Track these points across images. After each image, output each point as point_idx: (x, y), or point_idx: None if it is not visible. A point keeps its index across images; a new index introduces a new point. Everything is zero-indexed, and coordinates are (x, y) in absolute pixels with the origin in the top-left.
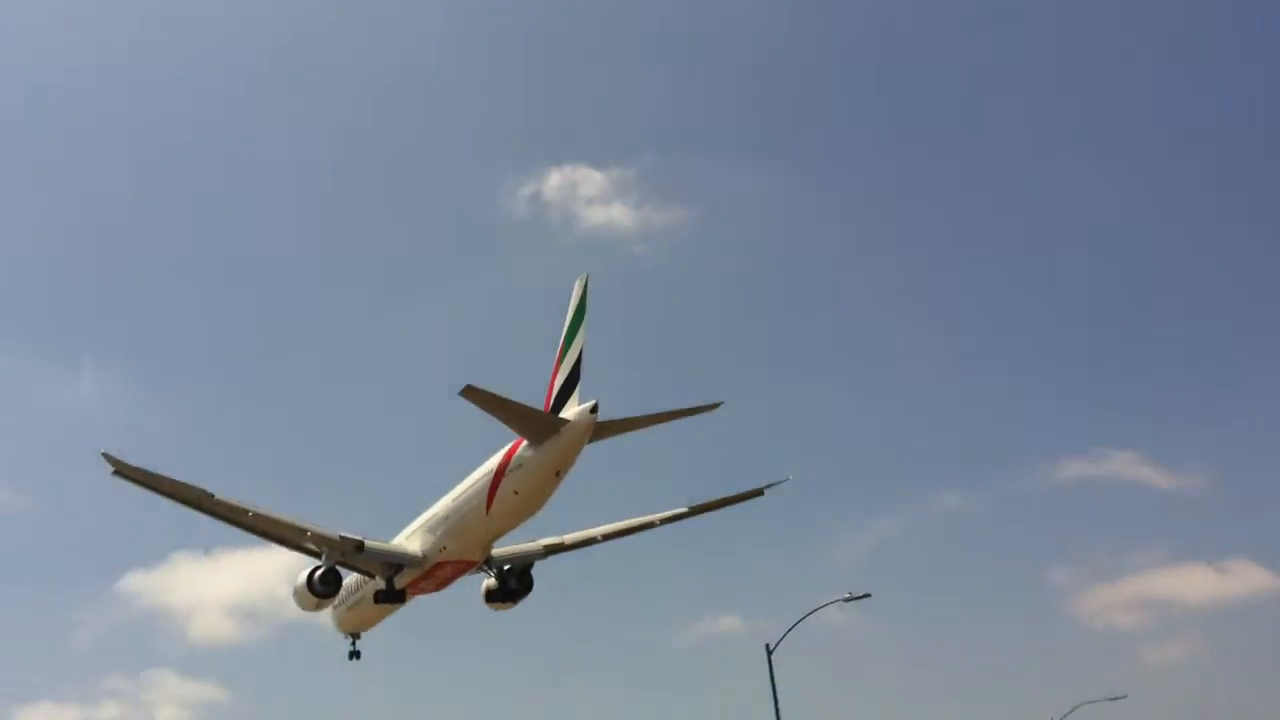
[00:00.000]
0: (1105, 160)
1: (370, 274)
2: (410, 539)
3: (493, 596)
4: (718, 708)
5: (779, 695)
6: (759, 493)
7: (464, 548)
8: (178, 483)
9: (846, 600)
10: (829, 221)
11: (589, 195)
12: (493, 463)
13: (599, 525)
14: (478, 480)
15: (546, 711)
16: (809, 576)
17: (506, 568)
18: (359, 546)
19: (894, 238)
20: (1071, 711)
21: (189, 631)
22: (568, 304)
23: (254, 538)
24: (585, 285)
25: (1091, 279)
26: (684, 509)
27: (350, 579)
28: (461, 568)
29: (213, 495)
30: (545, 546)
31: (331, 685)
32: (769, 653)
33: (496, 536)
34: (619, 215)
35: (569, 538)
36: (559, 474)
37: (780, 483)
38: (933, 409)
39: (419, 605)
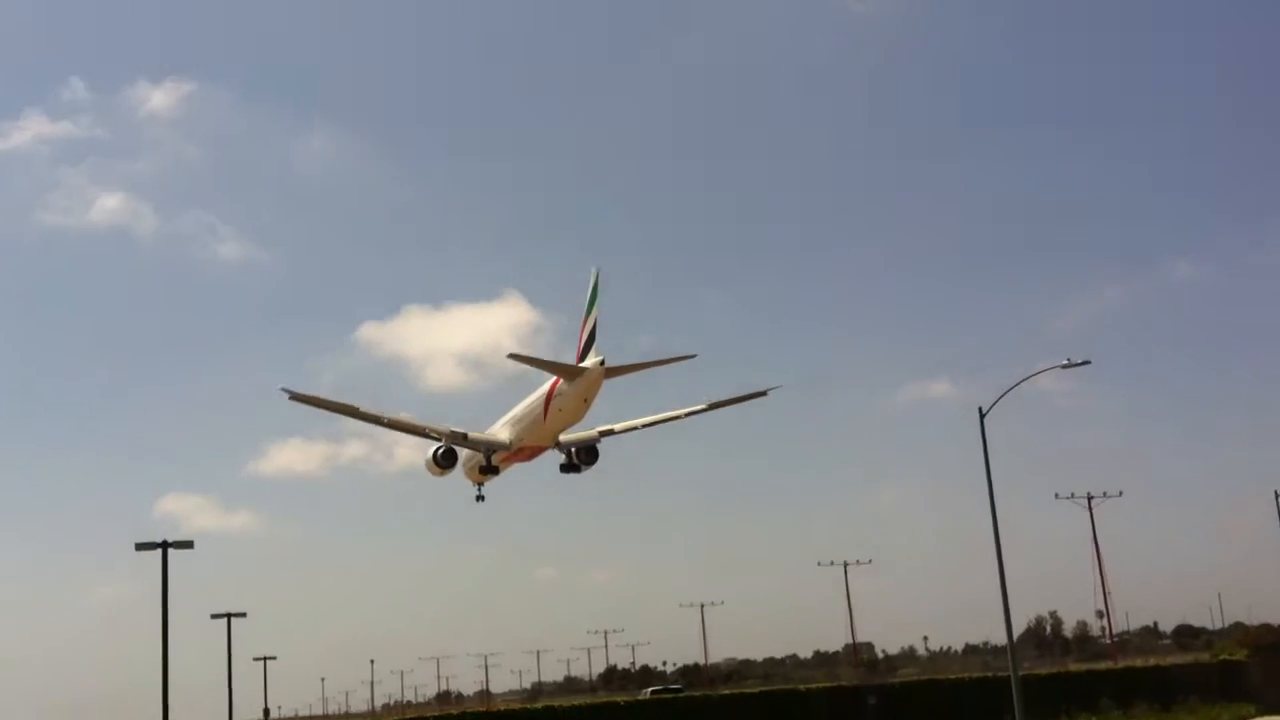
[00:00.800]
0: None
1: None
2: (501, 430)
3: (565, 469)
4: (928, 472)
5: (991, 460)
6: (762, 394)
7: (537, 438)
8: (333, 401)
9: (1064, 367)
10: None
11: None
12: (544, 388)
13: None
14: (536, 398)
15: (775, 477)
16: (1027, 343)
17: (574, 448)
18: (464, 436)
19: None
20: None
21: (422, 379)
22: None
23: (483, 294)
24: (596, 277)
25: None
26: (703, 405)
27: (466, 451)
28: (540, 449)
29: (358, 408)
30: (600, 432)
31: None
32: (981, 416)
33: (558, 432)
34: None
35: (618, 425)
36: (586, 401)
37: (776, 387)
38: (1166, 172)
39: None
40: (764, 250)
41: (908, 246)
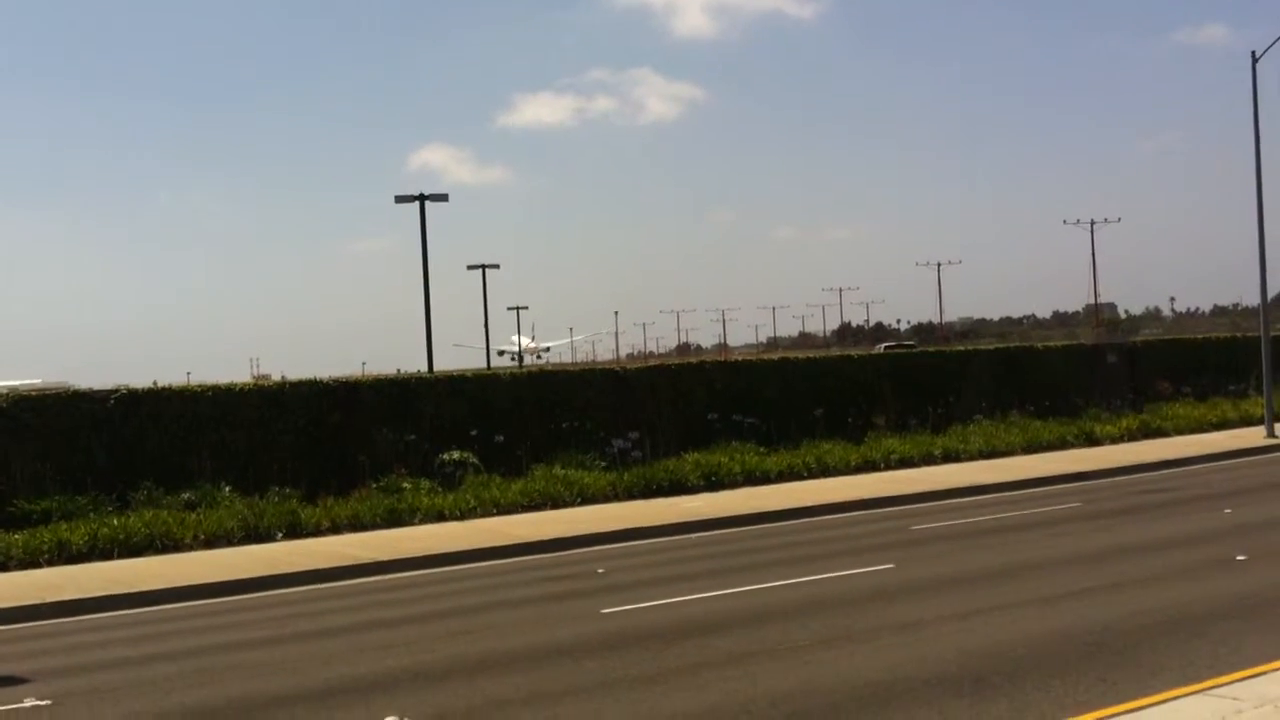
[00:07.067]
0: None
1: None
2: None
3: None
4: (1191, 125)
5: (1261, 113)
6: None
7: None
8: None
9: None
10: None
11: None
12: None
13: None
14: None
15: (1020, 127)
16: None
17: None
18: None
19: None
20: None
21: (669, 30)
22: None
23: None
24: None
25: None
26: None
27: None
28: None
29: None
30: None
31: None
32: (1254, 61)
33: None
34: None
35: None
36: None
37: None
38: None
39: None
40: None
41: None
